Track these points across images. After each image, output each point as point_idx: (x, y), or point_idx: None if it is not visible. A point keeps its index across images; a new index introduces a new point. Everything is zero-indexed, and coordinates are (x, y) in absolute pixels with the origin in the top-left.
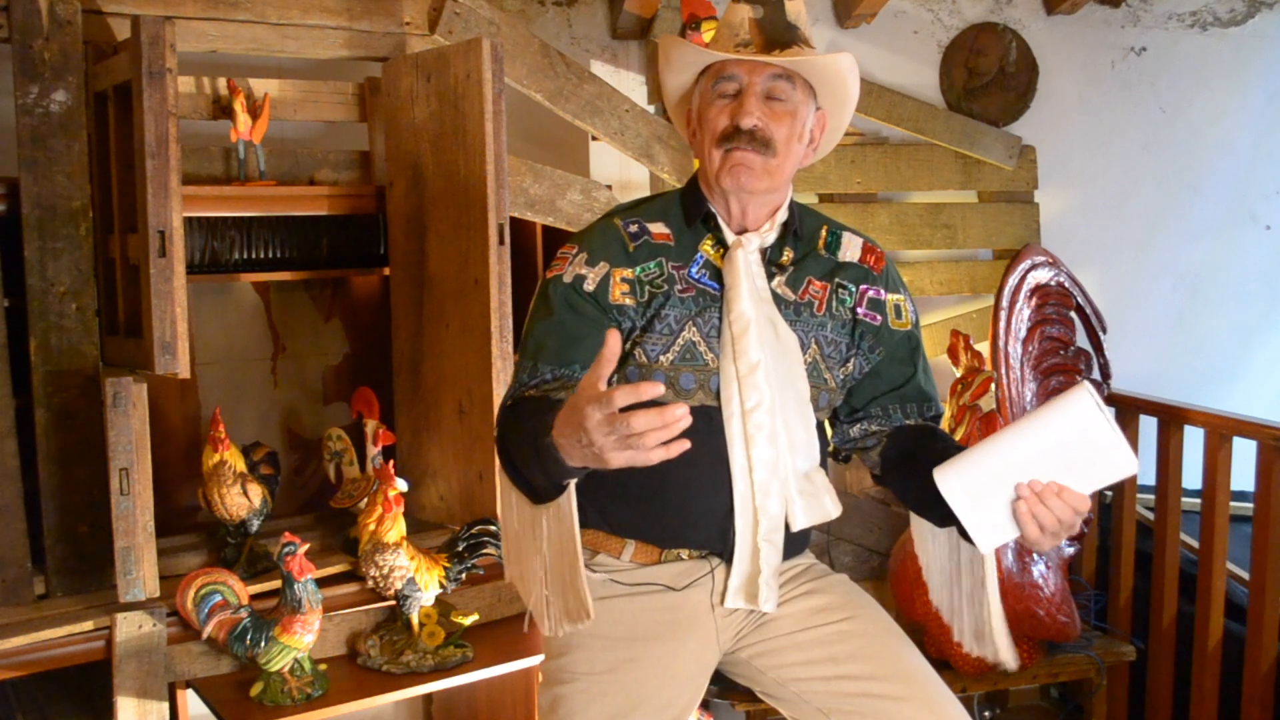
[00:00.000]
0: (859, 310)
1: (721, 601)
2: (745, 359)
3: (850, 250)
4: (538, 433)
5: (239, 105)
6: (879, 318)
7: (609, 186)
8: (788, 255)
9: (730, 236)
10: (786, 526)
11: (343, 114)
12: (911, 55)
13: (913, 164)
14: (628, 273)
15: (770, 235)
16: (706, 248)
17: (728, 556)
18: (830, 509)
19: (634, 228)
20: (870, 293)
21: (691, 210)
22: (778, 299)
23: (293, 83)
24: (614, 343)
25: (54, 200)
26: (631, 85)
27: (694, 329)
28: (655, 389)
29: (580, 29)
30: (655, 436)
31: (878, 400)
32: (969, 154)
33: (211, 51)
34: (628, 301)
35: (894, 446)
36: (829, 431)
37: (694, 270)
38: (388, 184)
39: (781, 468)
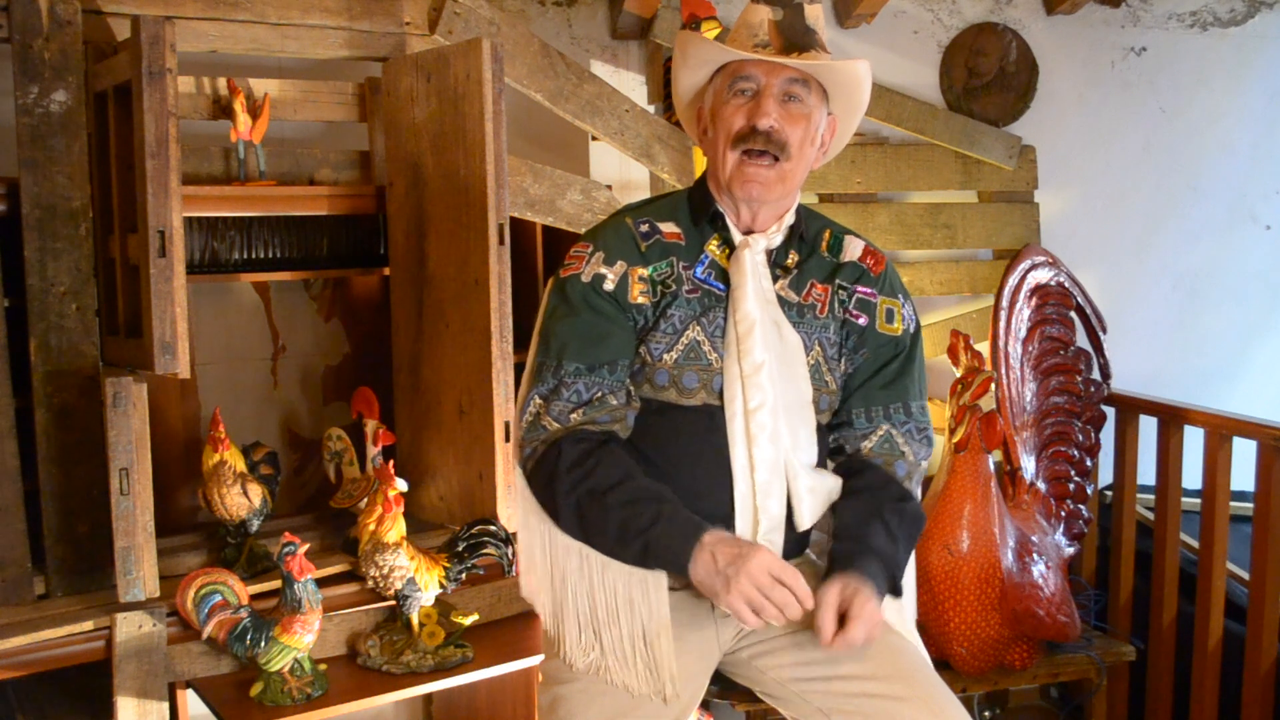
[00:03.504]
0: (849, 310)
1: None
2: (750, 359)
3: (851, 252)
4: (663, 521)
5: (239, 105)
6: (865, 318)
7: (609, 186)
8: (793, 258)
9: (737, 237)
10: (794, 528)
11: (343, 114)
12: (911, 55)
13: (913, 164)
14: (643, 271)
15: (777, 238)
16: (712, 248)
17: None
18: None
19: (645, 227)
20: (862, 292)
21: (699, 210)
22: (781, 301)
23: (293, 83)
24: (805, 594)
25: (54, 200)
26: (631, 85)
27: (698, 329)
28: (809, 605)
29: (580, 29)
30: (772, 612)
31: (850, 402)
32: (969, 154)
33: (211, 51)
34: (644, 300)
35: (842, 470)
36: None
37: (699, 270)
38: (388, 184)
39: (783, 468)
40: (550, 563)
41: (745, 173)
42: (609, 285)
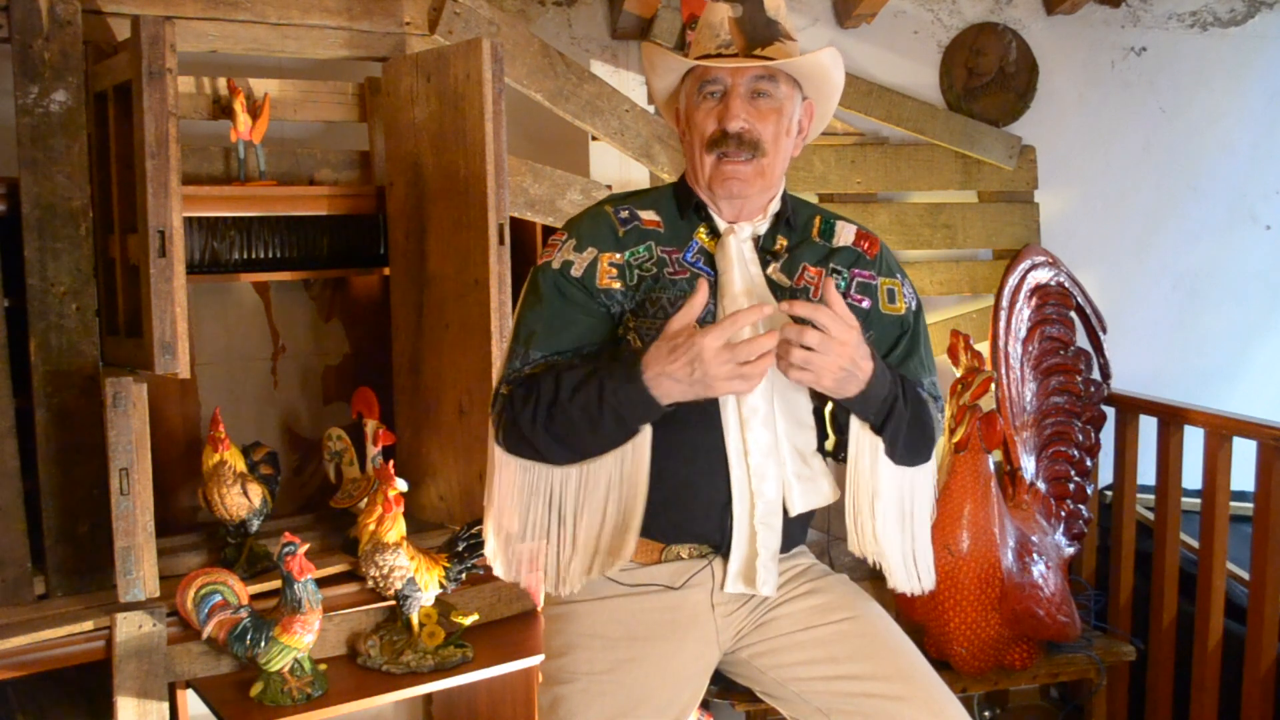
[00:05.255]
0: (850, 294)
1: (721, 589)
2: None
3: (844, 236)
4: (608, 382)
5: (239, 105)
6: (868, 301)
7: (609, 186)
8: (781, 242)
9: (722, 225)
10: (786, 512)
11: (343, 114)
12: (911, 55)
13: (913, 164)
14: (616, 257)
15: (763, 224)
16: (701, 235)
17: (725, 549)
18: (828, 493)
19: (625, 214)
20: (861, 276)
21: (684, 202)
22: (773, 285)
23: (293, 83)
24: (703, 291)
25: (54, 200)
26: (631, 85)
27: None
28: (764, 309)
29: (580, 29)
30: (767, 361)
31: None
32: (969, 154)
33: (211, 51)
34: (615, 285)
35: None
36: (828, 423)
37: (689, 255)
38: (388, 184)
39: (777, 451)
40: (514, 496)
41: (723, 171)
42: (576, 271)
